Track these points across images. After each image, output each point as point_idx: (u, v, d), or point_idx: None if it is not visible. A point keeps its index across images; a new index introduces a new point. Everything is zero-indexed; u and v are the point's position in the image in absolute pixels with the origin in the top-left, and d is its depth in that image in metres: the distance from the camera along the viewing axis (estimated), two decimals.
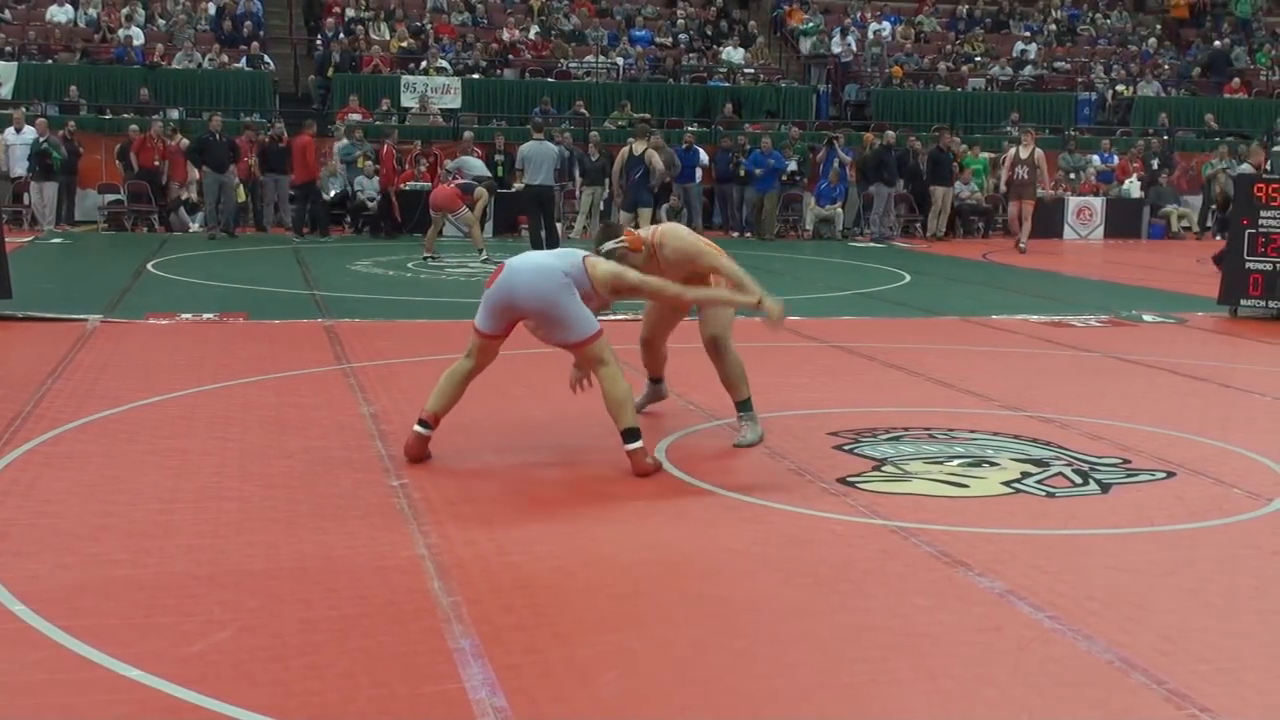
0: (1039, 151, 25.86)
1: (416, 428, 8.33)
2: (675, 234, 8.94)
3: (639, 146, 22.31)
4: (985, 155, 30.43)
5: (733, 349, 9.00)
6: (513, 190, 25.90)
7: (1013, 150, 26.20)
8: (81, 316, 14.01)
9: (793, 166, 29.18)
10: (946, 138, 29.09)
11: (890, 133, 29.62)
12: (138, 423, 9.31)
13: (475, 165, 26.37)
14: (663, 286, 8.58)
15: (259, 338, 13.15)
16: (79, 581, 5.93)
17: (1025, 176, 25.73)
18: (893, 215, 29.07)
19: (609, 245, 8.71)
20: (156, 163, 26.98)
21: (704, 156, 29.10)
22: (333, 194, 27.42)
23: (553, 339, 8.44)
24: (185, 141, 27.12)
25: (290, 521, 6.94)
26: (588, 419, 9.56)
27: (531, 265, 8.27)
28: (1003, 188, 26.95)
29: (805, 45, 36.77)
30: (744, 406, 9.05)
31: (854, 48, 36.43)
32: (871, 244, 27.52)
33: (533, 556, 6.40)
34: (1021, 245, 25.73)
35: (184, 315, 14.52)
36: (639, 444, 8.08)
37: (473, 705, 4.69)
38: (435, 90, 31.92)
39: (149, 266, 19.82)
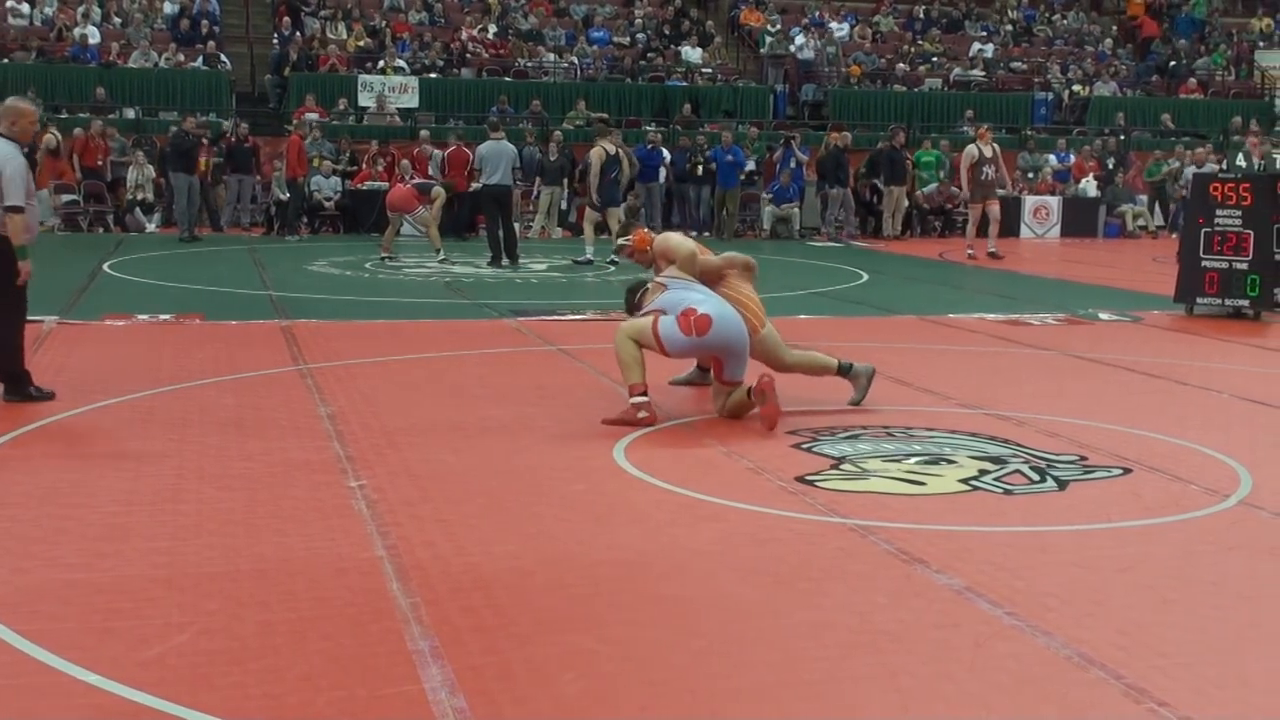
0: (998, 148, 24.96)
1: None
2: (665, 238, 10.72)
3: (612, 146, 22.42)
4: (936, 152, 30.40)
5: (794, 354, 10.46)
6: (469, 190, 26.00)
7: (973, 149, 24.59)
8: (37, 318, 13.89)
9: (751, 166, 29.25)
10: (900, 138, 29.13)
11: (847, 134, 29.66)
12: (94, 425, 9.27)
13: (440, 158, 26.88)
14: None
15: (216, 339, 13.10)
16: (36, 585, 5.90)
17: (993, 176, 24.39)
18: (850, 215, 29.12)
19: (620, 241, 10.47)
20: (99, 162, 26.91)
21: (668, 156, 29.09)
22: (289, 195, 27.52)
23: (730, 371, 9.75)
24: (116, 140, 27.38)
25: (248, 524, 6.91)
26: (546, 419, 9.57)
27: (736, 316, 9.78)
28: (965, 191, 25.13)
29: (765, 44, 36.80)
30: (843, 371, 10.41)
31: (817, 46, 36.51)
32: (829, 243, 27.58)
33: (491, 557, 6.39)
34: (991, 249, 24.42)
35: (140, 316, 14.46)
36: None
37: (432, 707, 4.68)
38: (392, 89, 31.90)
39: (105, 267, 19.73)
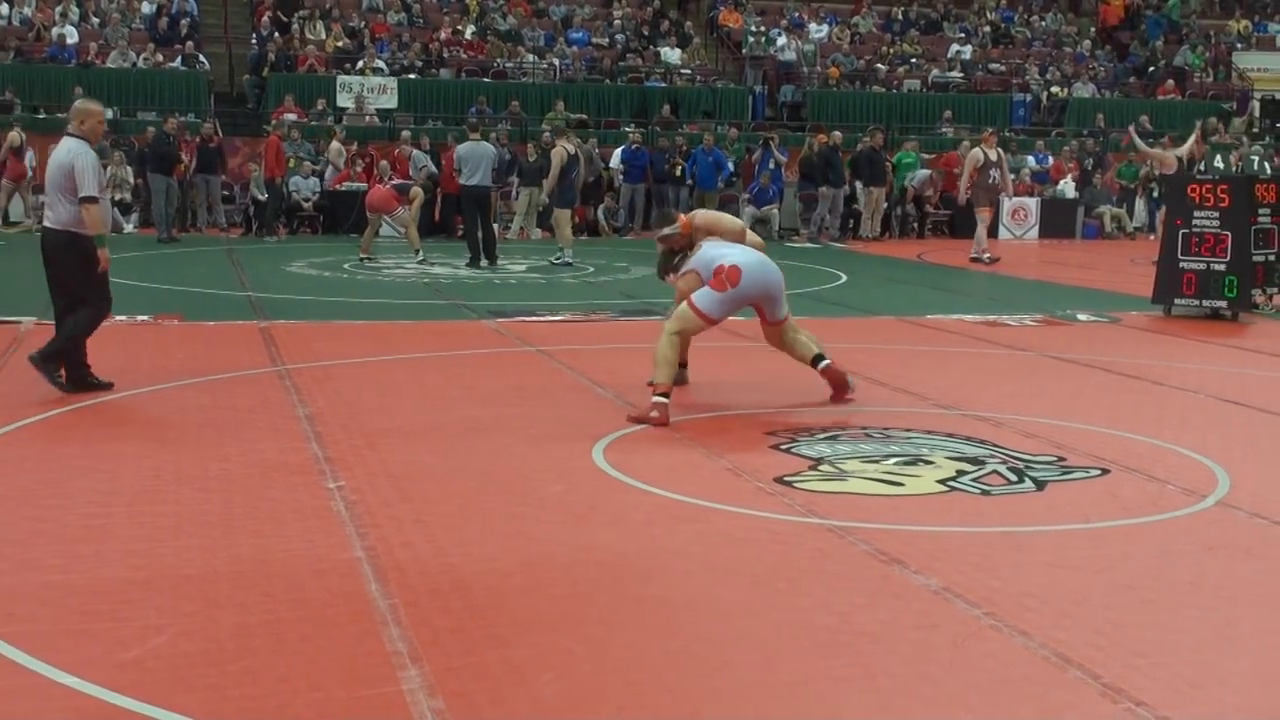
0: (1002, 153, 24.71)
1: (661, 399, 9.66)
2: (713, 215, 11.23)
3: (571, 146, 22.48)
4: (914, 153, 30.48)
5: (792, 335, 10.52)
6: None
7: (978, 153, 24.10)
8: (15, 319, 13.89)
9: (730, 167, 29.24)
10: (879, 139, 29.14)
11: (837, 133, 29.61)
12: (72, 426, 9.25)
13: (421, 158, 26.76)
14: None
15: (194, 340, 13.08)
16: (12, 587, 5.88)
17: (999, 180, 24.04)
18: (836, 216, 29.08)
19: (667, 230, 10.58)
20: None
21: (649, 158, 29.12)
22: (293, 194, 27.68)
23: (771, 314, 10.31)
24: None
25: (226, 525, 6.90)
26: (525, 420, 9.56)
27: (764, 260, 10.17)
28: (964, 195, 24.59)
29: (747, 44, 36.82)
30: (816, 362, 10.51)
31: (797, 47, 36.57)
32: (808, 244, 27.59)
33: (470, 558, 6.39)
34: (988, 254, 23.87)
35: (118, 318, 14.35)
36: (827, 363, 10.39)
37: (410, 708, 4.68)
38: (371, 90, 31.84)
39: None
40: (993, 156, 24.07)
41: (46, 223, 10.43)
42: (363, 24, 34.78)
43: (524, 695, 4.83)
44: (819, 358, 10.41)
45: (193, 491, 7.55)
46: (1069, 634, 5.49)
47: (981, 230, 24.49)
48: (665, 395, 9.61)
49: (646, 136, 30.29)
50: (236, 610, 5.62)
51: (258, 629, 5.41)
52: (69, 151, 10.20)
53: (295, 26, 34.06)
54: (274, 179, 26.38)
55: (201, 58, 32.52)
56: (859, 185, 29.19)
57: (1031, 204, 31.15)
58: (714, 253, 10.06)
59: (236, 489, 7.62)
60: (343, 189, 27.79)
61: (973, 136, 32.52)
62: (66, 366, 10.41)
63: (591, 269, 21.24)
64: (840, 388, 10.39)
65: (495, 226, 23.48)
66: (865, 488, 7.91)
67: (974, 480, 8.09)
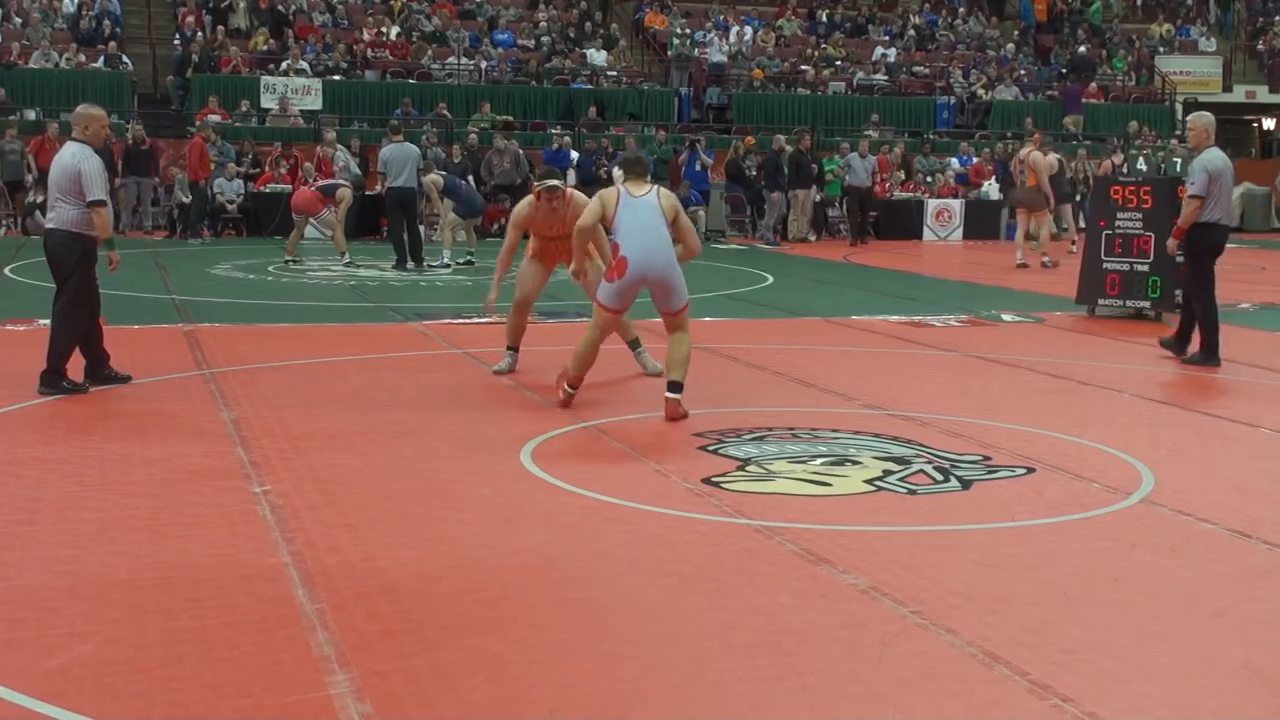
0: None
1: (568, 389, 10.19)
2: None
3: (440, 175, 23.23)
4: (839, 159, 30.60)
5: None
6: (370, 193, 25.95)
7: (1048, 157, 23.60)
8: None
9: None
10: (806, 141, 29.26)
11: (780, 136, 29.63)
12: None
13: (344, 159, 26.65)
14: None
15: (118, 344, 12.92)
16: None
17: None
18: (774, 218, 29.13)
19: (552, 182, 11.36)
20: None
21: (575, 157, 29.07)
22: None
23: (665, 304, 10.22)
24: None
25: (152, 530, 6.84)
26: (451, 423, 9.54)
27: (653, 251, 9.99)
28: (1053, 202, 24.10)
29: (673, 46, 36.87)
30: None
31: (722, 49, 36.68)
32: (734, 246, 27.66)
33: (397, 561, 6.37)
34: (1038, 254, 23.39)
35: (42, 321, 14.24)
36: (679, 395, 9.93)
37: (338, 713, 4.66)
38: (295, 91, 31.67)
39: (6, 271, 19.48)
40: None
41: (49, 224, 10.61)
42: (291, 15, 34.57)
43: (453, 699, 4.82)
44: (676, 385, 9.88)
45: (118, 497, 7.49)
46: (995, 631, 5.54)
47: (1044, 234, 23.72)
48: (573, 387, 10.22)
49: (574, 139, 30.32)
50: (163, 617, 5.58)
51: (184, 635, 5.37)
52: (74, 156, 10.46)
53: (220, 26, 33.78)
54: (198, 181, 26.23)
55: (125, 58, 32.27)
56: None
57: (956, 205, 31.36)
58: (621, 232, 10.08)
59: (162, 494, 7.56)
60: (267, 191, 27.65)
61: (893, 137, 32.86)
62: (85, 358, 10.74)
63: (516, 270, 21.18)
64: (672, 418, 9.79)
65: (421, 229, 23.42)
66: (792, 488, 7.93)
67: (900, 480, 8.14)
